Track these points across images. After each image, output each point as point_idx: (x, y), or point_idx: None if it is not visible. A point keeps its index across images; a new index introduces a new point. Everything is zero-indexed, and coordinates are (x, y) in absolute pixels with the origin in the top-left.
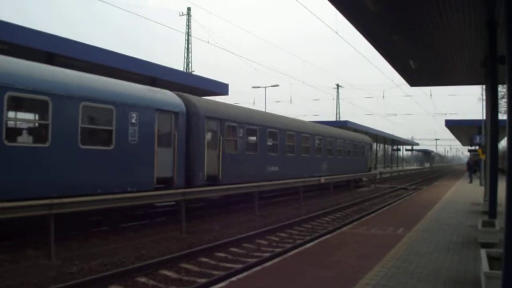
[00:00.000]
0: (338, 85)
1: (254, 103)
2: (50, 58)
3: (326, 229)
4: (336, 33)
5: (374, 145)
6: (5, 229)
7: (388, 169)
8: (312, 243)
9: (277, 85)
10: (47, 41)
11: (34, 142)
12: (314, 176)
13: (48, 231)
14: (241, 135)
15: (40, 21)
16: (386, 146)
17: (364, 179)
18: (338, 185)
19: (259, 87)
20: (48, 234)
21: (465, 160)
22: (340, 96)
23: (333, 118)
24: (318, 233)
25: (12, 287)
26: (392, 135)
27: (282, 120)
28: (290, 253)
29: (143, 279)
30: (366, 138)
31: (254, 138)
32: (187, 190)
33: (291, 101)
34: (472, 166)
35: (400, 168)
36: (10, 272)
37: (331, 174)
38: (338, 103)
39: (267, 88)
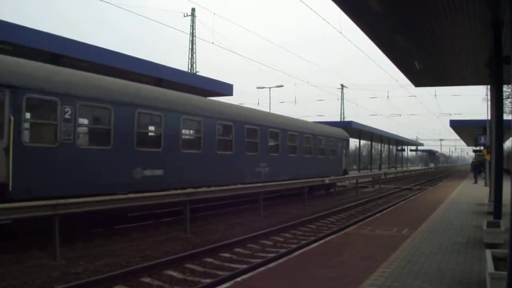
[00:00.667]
0: (342, 86)
1: (258, 103)
2: (55, 59)
3: (331, 229)
4: (340, 33)
5: (378, 145)
6: (9, 229)
7: (392, 170)
8: (316, 244)
9: (281, 86)
10: (53, 42)
11: None
12: (245, 183)
13: (53, 231)
14: (68, 116)
15: (41, 21)
16: (391, 146)
17: (338, 183)
18: (284, 194)
19: (263, 87)
20: (53, 234)
21: (470, 160)
22: (345, 96)
23: (337, 119)
24: (322, 234)
25: (17, 287)
26: (396, 136)
27: (175, 98)
28: (295, 254)
29: (147, 280)
30: (340, 132)
31: (103, 123)
32: (193, 190)
33: (295, 101)
34: (479, 167)
35: (404, 168)
36: (15, 272)
37: (278, 179)
38: (342, 104)
39: (271, 89)
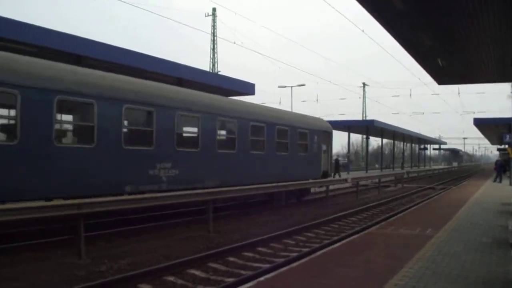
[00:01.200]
0: (364, 84)
1: (280, 102)
2: (78, 60)
3: (353, 229)
4: (362, 31)
5: (401, 144)
6: (34, 228)
7: (415, 169)
8: (339, 243)
9: (303, 85)
10: (76, 44)
11: None
12: (125, 192)
13: (78, 230)
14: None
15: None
16: (413, 145)
17: (316, 189)
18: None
19: (285, 86)
20: (78, 233)
21: (494, 159)
22: (367, 95)
23: (360, 118)
24: (345, 233)
25: (43, 285)
26: (419, 134)
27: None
28: (318, 253)
29: (171, 278)
30: (318, 122)
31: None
32: (215, 190)
33: (317, 100)
34: (504, 165)
35: (427, 167)
36: (41, 270)
37: (199, 186)
38: (364, 102)
39: (293, 88)
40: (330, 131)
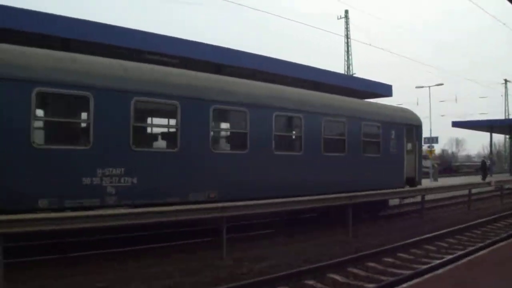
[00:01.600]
0: (506, 80)
1: (417, 103)
2: (218, 69)
3: (499, 235)
4: (504, 24)
5: None
6: (179, 230)
7: None
8: (485, 251)
9: (441, 84)
10: (216, 53)
11: None
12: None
13: (221, 232)
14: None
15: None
16: None
17: (397, 201)
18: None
19: (422, 87)
20: (221, 235)
21: None
22: (509, 92)
23: (501, 117)
24: (490, 240)
25: (192, 285)
26: None
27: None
28: (462, 261)
29: (311, 282)
30: (400, 114)
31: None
32: (354, 194)
33: (456, 99)
34: None
35: None
36: (187, 271)
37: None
38: (506, 100)
39: (431, 88)
40: (417, 124)
